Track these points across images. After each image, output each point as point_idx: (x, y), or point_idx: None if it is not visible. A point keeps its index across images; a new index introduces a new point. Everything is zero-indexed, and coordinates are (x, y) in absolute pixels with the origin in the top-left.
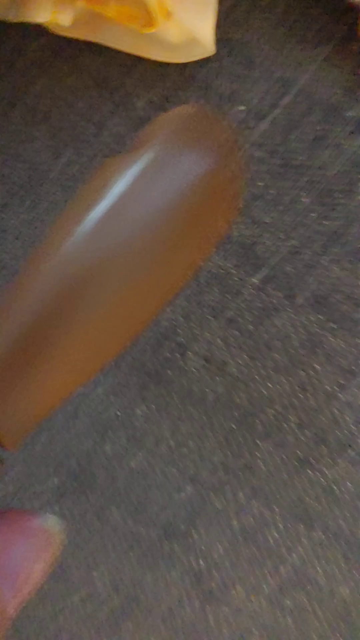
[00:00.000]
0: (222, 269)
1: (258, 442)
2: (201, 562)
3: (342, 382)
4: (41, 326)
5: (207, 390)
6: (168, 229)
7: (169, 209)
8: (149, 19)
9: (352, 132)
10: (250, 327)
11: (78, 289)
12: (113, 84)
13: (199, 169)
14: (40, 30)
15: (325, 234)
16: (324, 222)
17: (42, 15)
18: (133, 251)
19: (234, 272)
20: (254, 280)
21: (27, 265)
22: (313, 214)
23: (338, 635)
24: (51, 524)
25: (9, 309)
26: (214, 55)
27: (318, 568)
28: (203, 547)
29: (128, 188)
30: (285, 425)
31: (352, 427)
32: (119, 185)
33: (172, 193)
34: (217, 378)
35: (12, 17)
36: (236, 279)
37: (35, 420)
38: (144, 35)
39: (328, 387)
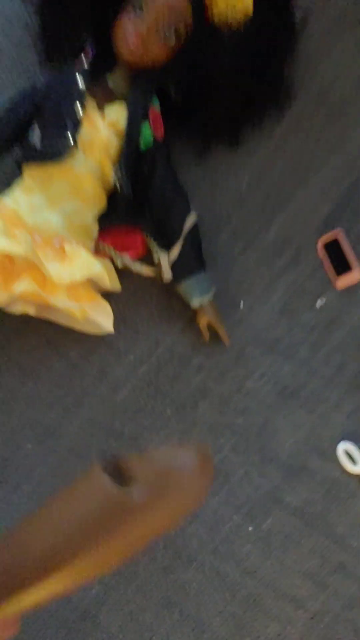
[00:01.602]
0: None
1: (138, 558)
2: (104, 635)
3: (191, 517)
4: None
5: None
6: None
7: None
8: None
9: (198, 371)
10: None
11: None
12: (58, 340)
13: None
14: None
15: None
16: (178, 424)
17: (18, 309)
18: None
19: None
20: None
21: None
22: (173, 424)
23: None
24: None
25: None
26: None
27: None
28: (105, 625)
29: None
30: (155, 546)
31: (197, 547)
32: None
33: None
34: None
35: (7, 309)
36: None
37: None
38: (76, 319)
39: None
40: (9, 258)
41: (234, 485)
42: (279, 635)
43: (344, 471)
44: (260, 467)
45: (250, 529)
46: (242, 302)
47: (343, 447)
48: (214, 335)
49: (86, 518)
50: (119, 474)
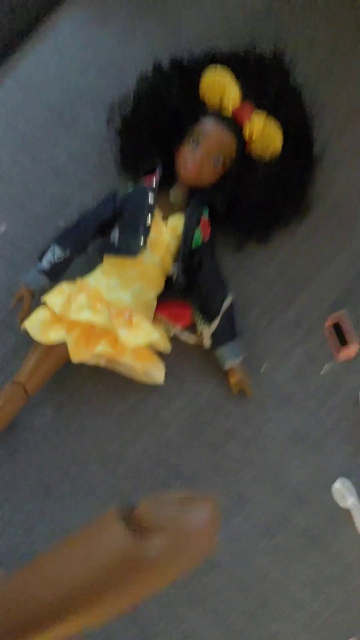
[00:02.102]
0: None
1: None
2: (146, 621)
3: None
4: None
5: None
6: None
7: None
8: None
9: (228, 416)
10: None
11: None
12: (121, 387)
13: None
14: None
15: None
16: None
17: (92, 361)
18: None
19: None
20: None
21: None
22: (208, 456)
23: None
24: None
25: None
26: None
27: None
28: (147, 612)
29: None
30: None
31: (220, 554)
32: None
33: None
34: None
35: (87, 361)
36: None
37: None
38: (136, 372)
39: None
40: (91, 325)
41: (252, 508)
42: (280, 631)
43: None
44: (274, 494)
45: (263, 543)
46: (265, 364)
47: (339, 483)
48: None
49: (101, 567)
50: (134, 522)
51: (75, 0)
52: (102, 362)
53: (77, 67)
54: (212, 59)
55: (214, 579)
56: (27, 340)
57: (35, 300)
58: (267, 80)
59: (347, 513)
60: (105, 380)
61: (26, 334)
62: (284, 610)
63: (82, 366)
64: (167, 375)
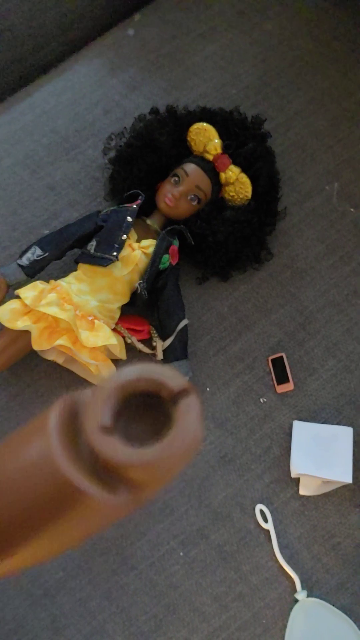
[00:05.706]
0: None
1: (95, 558)
2: (58, 612)
3: (141, 535)
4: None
5: None
6: None
7: None
8: (92, 370)
9: None
10: None
11: None
12: (74, 386)
13: None
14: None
15: None
16: None
17: (51, 357)
18: None
19: None
20: None
21: None
22: None
23: None
24: None
25: None
26: None
27: None
28: (60, 604)
29: None
30: (109, 552)
31: (140, 559)
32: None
33: None
34: None
35: (43, 355)
36: None
37: None
38: (90, 373)
39: None
40: (56, 320)
41: (176, 519)
42: (185, 639)
43: (256, 526)
44: (197, 509)
45: (180, 554)
46: (207, 388)
47: (259, 507)
48: None
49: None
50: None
51: (93, 49)
52: (59, 360)
53: (86, 103)
54: (202, 111)
55: (130, 580)
56: None
57: (8, 295)
58: (245, 139)
59: (264, 535)
60: (61, 378)
61: None
62: (191, 620)
63: (41, 362)
64: None
